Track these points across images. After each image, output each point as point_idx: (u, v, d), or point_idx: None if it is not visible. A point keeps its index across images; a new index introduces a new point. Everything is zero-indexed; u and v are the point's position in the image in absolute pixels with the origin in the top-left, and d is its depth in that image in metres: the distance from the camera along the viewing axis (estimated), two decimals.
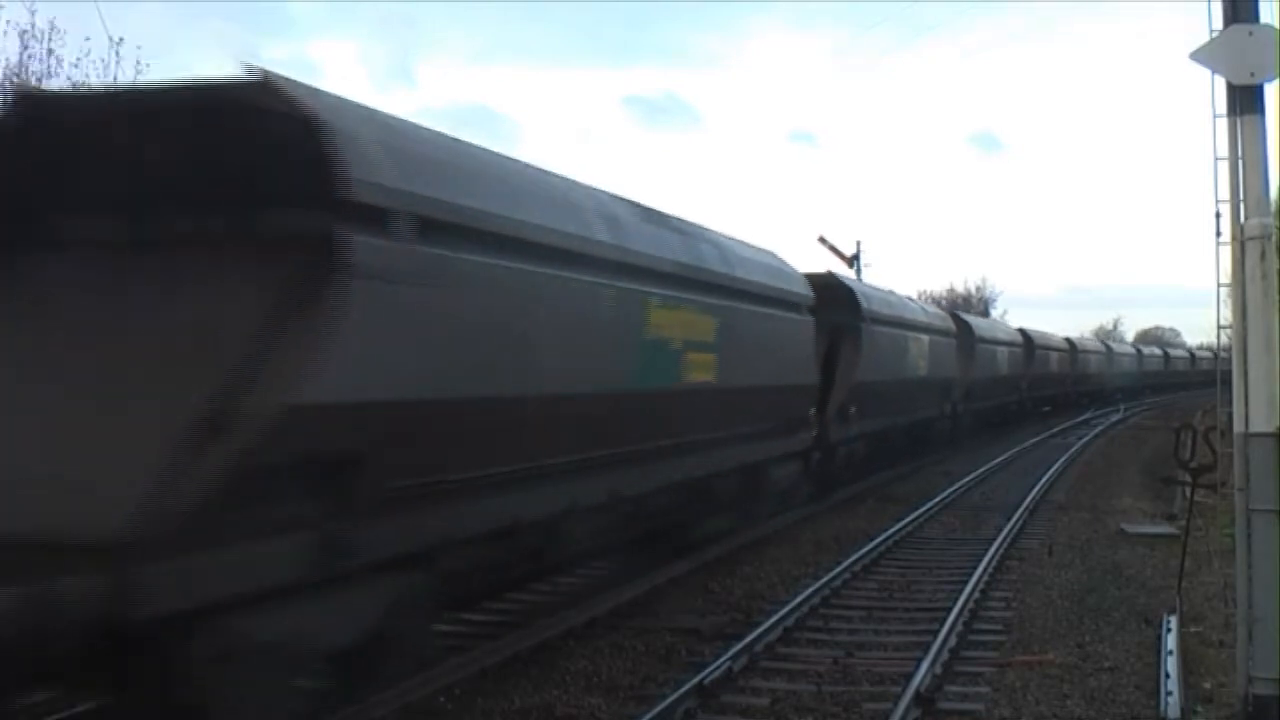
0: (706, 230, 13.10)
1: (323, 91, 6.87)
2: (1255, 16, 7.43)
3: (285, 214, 6.32)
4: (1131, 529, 16.10)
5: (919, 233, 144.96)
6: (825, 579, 12.19)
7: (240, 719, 6.04)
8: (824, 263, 36.41)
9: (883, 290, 24.23)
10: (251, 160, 6.30)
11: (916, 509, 17.61)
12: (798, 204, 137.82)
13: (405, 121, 7.80)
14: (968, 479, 22.10)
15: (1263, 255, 7.20)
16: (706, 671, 8.53)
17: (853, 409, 18.67)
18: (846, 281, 20.95)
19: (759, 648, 9.53)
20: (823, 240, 45.52)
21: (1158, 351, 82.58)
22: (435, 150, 7.79)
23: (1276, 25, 7.40)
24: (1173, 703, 7.76)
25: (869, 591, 12.17)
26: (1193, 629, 9.92)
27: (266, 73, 6.31)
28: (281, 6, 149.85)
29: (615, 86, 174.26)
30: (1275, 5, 7.51)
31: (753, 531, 15.18)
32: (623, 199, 11.06)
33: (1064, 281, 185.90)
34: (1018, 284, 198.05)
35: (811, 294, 16.25)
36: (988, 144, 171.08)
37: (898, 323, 22.03)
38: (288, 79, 6.46)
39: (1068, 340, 49.73)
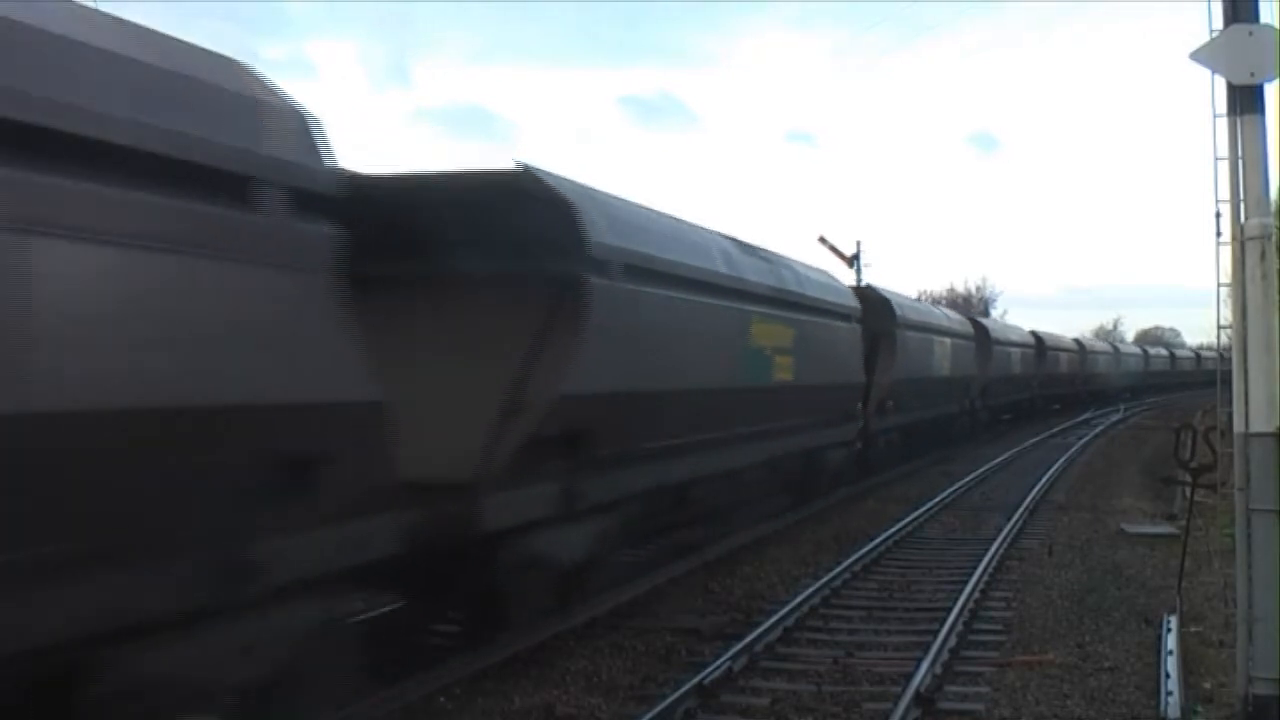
0: (782, 257, 16.10)
1: (564, 177, 9.65)
2: (1255, 16, 7.43)
3: (549, 262, 9.13)
4: (1132, 529, 16.11)
5: (919, 233, 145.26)
6: (825, 579, 12.19)
7: (530, 606, 9.45)
8: (824, 263, 36.42)
9: (912, 300, 27.72)
10: (522, 225, 8.99)
11: (917, 509, 17.62)
12: (797, 204, 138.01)
13: (607, 193, 10.69)
14: (968, 479, 22.11)
15: (1263, 255, 7.20)
16: (706, 671, 8.53)
17: (890, 403, 21.53)
18: (883, 293, 23.37)
19: (759, 648, 9.54)
20: (823, 240, 45.54)
21: (1164, 352, 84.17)
22: (628, 214, 10.86)
23: (1276, 25, 7.41)
24: (1173, 703, 7.77)
25: (869, 591, 12.17)
26: (1193, 629, 9.92)
27: (528, 166, 9.11)
28: (278, 6, 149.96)
29: (612, 87, 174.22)
30: (1275, 5, 7.52)
31: (753, 531, 15.23)
32: (728, 236, 14.02)
33: (1064, 281, 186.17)
34: (1018, 284, 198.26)
35: (859, 305, 18.94)
36: (987, 144, 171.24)
37: (925, 328, 24.70)
38: (547, 172, 9.32)
39: (1076, 341, 51.73)
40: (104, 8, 5.67)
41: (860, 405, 19.43)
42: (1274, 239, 7.29)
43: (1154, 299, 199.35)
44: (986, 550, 13.76)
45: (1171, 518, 16.79)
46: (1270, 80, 7.36)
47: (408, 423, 6.65)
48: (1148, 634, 9.92)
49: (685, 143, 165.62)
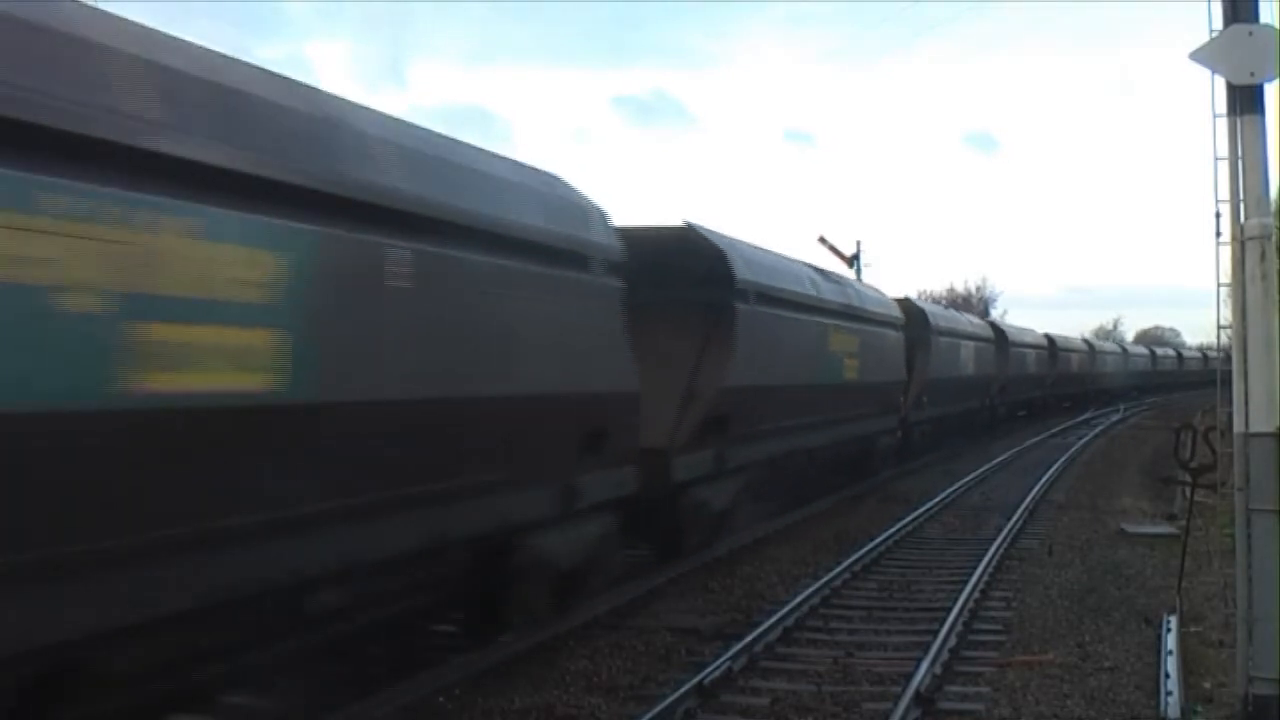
0: (845, 278, 21.03)
1: (717, 232, 14.16)
2: (1255, 16, 7.43)
3: (710, 293, 13.26)
4: (1131, 529, 16.11)
5: (918, 233, 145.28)
6: (825, 579, 12.19)
7: (694, 539, 13.49)
8: (825, 263, 36.55)
9: (943, 309, 32.63)
10: (692, 267, 13.14)
11: (917, 508, 17.62)
12: (796, 204, 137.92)
13: (742, 240, 15.01)
14: (968, 479, 22.11)
15: (1263, 255, 7.20)
16: (706, 671, 8.53)
17: (924, 399, 25.16)
18: (920, 304, 27.90)
19: (759, 648, 9.53)
20: (823, 240, 45.55)
21: (1171, 352, 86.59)
22: (754, 254, 14.97)
23: (1276, 25, 7.41)
24: (1173, 703, 7.77)
25: (869, 591, 12.18)
26: (1193, 629, 9.91)
27: (691, 224, 13.60)
28: (273, 6, 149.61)
29: (610, 87, 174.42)
30: (1275, 5, 7.52)
31: (752, 531, 15.25)
32: (808, 264, 18.20)
33: (1063, 281, 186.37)
34: (1017, 284, 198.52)
35: (902, 315, 22.89)
36: (986, 144, 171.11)
37: (954, 333, 28.34)
38: (704, 228, 13.79)
39: (1086, 342, 54.82)
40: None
41: (901, 400, 23.02)
42: (1274, 239, 7.30)
43: (1154, 299, 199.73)
44: (986, 550, 13.75)
45: (1171, 518, 16.78)
46: (1270, 80, 7.36)
47: None
48: (1148, 634, 9.92)
49: (683, 142, 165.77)
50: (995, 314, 72.28)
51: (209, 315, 5.53)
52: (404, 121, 8.08)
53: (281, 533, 6.20)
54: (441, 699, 8.15)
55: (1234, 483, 7.43)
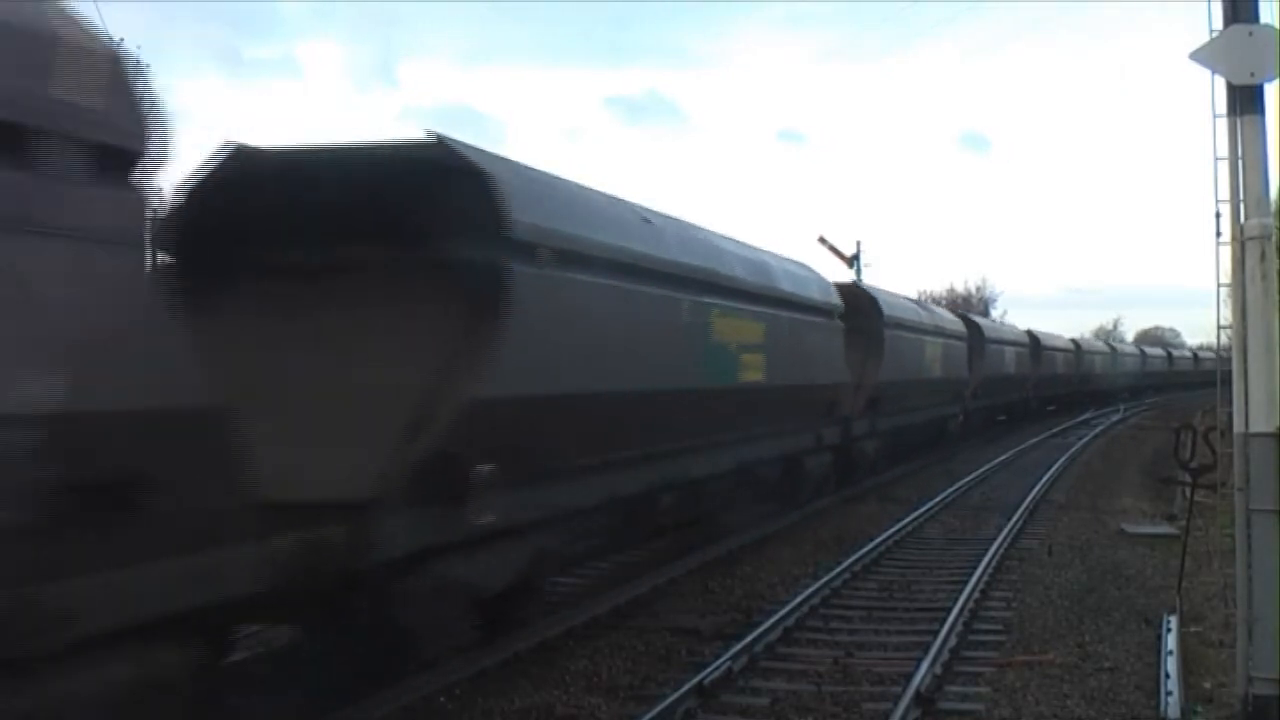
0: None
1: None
2: (1255, 16, 7.43)
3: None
4: (1131, 529, 16.10)
5: (918, 233, 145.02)
6: (825, 579, 12.19)
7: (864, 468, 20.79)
8: (824, 263, 36.54)
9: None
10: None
11: (917, 509, 17.62)
12: (794, 204, 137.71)
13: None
14: (968, 479, 22.11)
15: (1263, 255, 7.20)
16: (706, 671, 8.53)
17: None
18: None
19: (759, 648, 9.53)
20: (822, 240, 45.55)
21: (1188, 353, 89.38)
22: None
23: (1276, 25, 7.41)
24: (1173, 703, 7.77)
25: (869, 591, 12.17)
26: (1193, 629, 9.91)
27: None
28: (263, 7, 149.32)
29: (603, 87, 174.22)
30: (1275, 5, 7.52)
31: (752, 531, 15.24)
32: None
33: (1063, 281, 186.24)
34: (1017, 284, 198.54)
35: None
36: (986, 144, 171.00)
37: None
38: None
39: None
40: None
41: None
42: (1274, 239, 7.30)
43: (1154, 299, 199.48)
44: (986, 550, 13.75)
45: (1171, 518, 16.78)
46: (1270, 80, 7.36)
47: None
48: (1148, 634, 9.92)
49: (677, 143, 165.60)
50: (995, 314, 72.36)
51: (750, 350, 13.58)
52: (746, 243, 15.24)
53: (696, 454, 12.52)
54: (442, 699, 8.15)
55: (1234, 483, 7.43)
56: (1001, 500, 19.22)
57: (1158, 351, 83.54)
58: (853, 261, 45.60)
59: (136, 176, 5.45)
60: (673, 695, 7.95)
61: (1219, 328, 8.01)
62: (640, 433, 10.79)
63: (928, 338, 25.43)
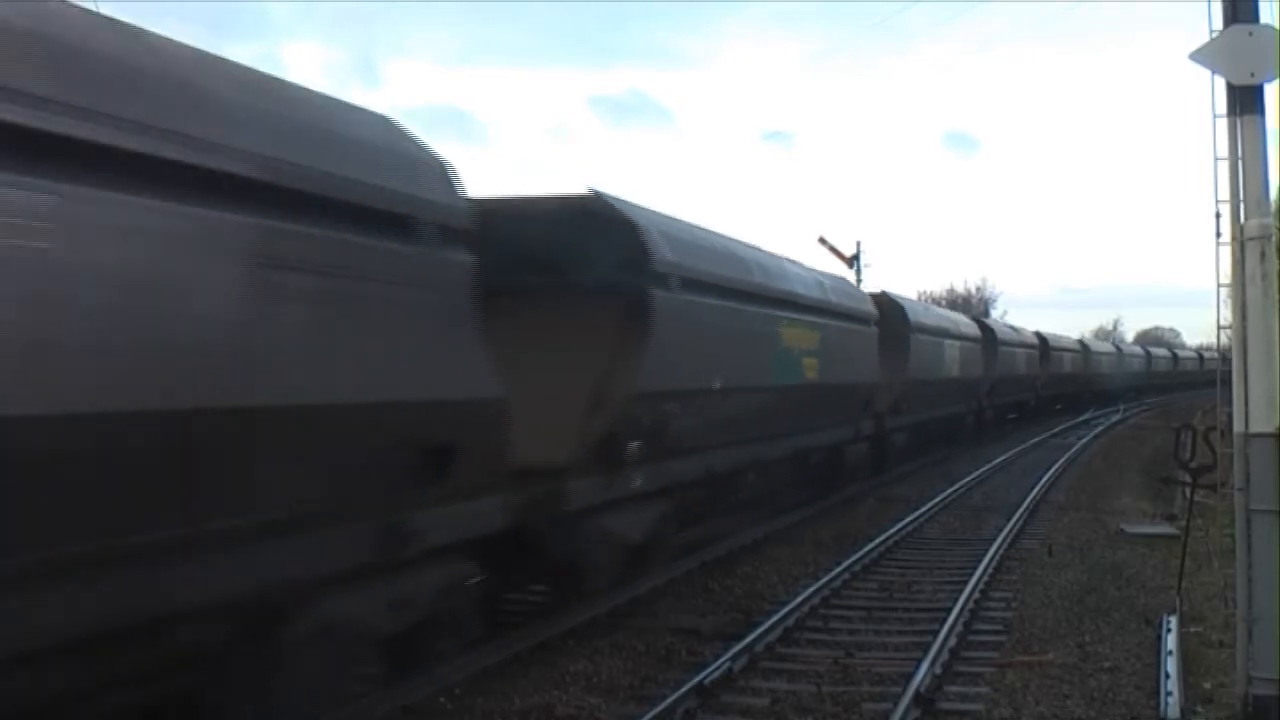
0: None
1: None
2: (1255, 16, 7.44)
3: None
4: (1131, 529, 16.11)
5: (918, 234, 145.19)
6: (825, 579, 12.19)
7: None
8: (824, 264, 36.67)
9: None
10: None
11: (917, 509, 17.62)
12: (792, 204, 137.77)
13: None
14: (968, 479, 22.12)
15: (1263, 255, 7.20)
16: (706, 672, 8.53)
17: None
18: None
19: (759, 648, 9.53)
20: (822, 241, 45.46)
21: (1192, 353, 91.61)
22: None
23: (1276, 25, 7.41)
24: (1173, 703, 7.77)
25: (869, 591, 12.17)
26: (1193, 629, 9.91)
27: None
28: (246, 7, 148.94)
29: (588, 87, 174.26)
30: (1275, 5, 7.53)
31: (752, 531, 15.25)
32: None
33: (1063, 282, 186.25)
34: (1017, 284, 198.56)
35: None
36: (983, 144, 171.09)
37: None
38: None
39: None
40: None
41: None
42: (1274, 239, 7.30)
43: (1154, 299, 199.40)
44: (986, 550, 13.76)
45: (1171, 518, 16.78)
46: (1270, 80, 7.37)
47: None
48: (1148, 634, 9.92)
49: (663, 142, 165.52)
50: (995, 314, 72.30)
51: (809, 354, 15.88)
52: (802, 263, 18.12)
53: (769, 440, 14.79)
54: (442, 699, 8.15)
55: (1234, 483, 7.43)
56: (1001, 500, 19.23)
57: (1162, 352, 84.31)
58: (853, 262, 45.55)
59: (464, 244, 7.81)
60: (673, 695, 7.96)
61: (1219, 328, 8.00)
62: (733, 421, 13.30)
63: (947, 341, 27.80)
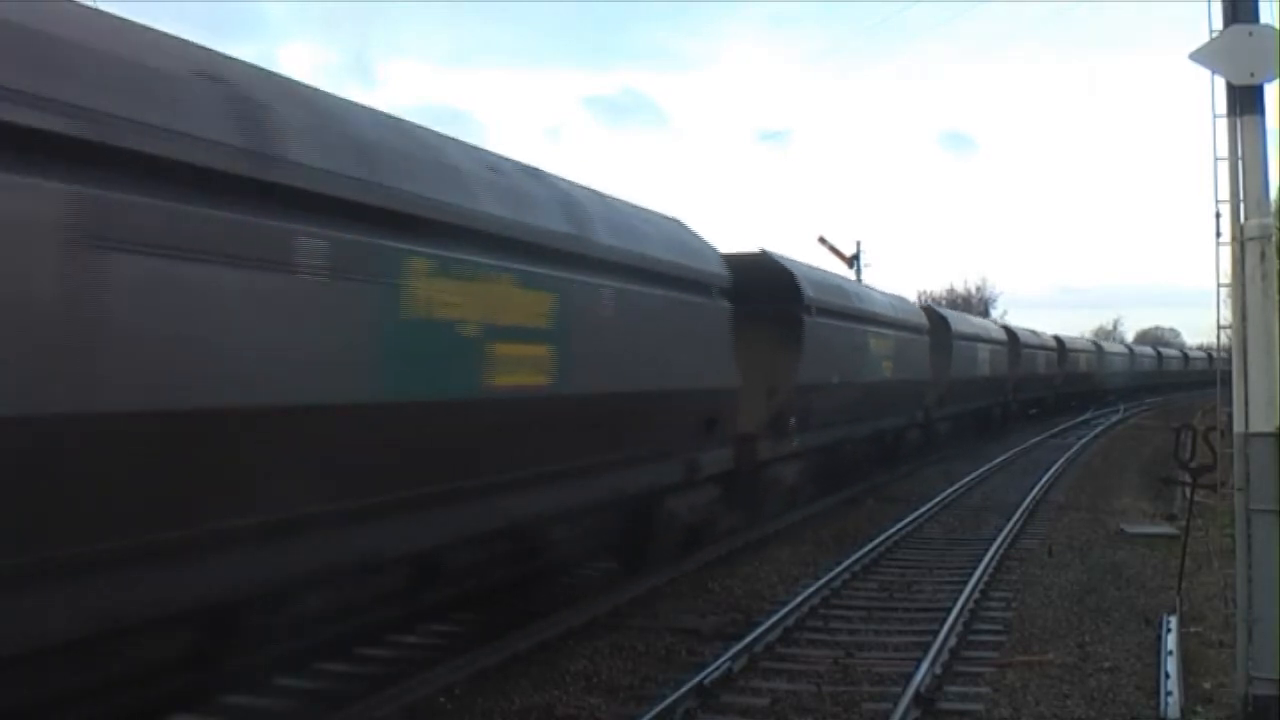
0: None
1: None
2: (1255, 16, 7.44)
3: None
4: (1131, 529, 16.10)
5: (916, 233, 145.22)
6: (825, 579, 12.19)
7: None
8: (825, 263, 37.06)
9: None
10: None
11: (916, 509, 17.62)
12: (789, 204, 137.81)
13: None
14: (968, 479, 22.12)
15: (1263, 255, 7.20)
16: (706, 672, 8.53)
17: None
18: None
19: (759, 648, 9.53)
20: (823, 241, 45.59)
21: (1200, 354, 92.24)
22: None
23: (1276, 25, 7.41)
24: (1172, 703, 7.77)
25: (869, 591, 12.17)
26: (1193, 629, 9.91)
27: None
28: (243, 8, 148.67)
29: (585, 87, 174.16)
30: (1275, 5, 7.53)
31: (752, 531, 15.25)
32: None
33: (1063, 282, 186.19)
34: (1017, 284, 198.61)
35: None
36: (982, 145, 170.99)
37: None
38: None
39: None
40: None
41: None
42: (1274, 239, 7.30)
43: (1154, 299, 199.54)
44: (986, 550, 13.75)
45: (1171, 518, 16.78)
46: (1270, 80, 7.36)
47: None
48: (1148, 634, 9.92)
49: (660, 142, 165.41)
50: (995, 314, 72.46)
51: (885, 357, 21.65)
52: (879, 289, 24.80)
53: (861, 421, 20.49)
54: (442, 699, 8.14)
55: (1234, 483, 7.43)
56: (1001, 500, 19.23)
57: (1173, 352, 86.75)
58: (853, 261, 45.58)
59: (720, 296, 13.20)
60: (673, 695, 7.95)
61: (1219, 328, 8.01)
62: (844, 407, 18.65)
63: (980, 345, 32.41)
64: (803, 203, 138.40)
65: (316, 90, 7.45)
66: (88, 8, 5.81)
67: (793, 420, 16.06)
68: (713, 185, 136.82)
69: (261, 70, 7.05)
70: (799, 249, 67.19)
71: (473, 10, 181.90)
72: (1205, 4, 7.57)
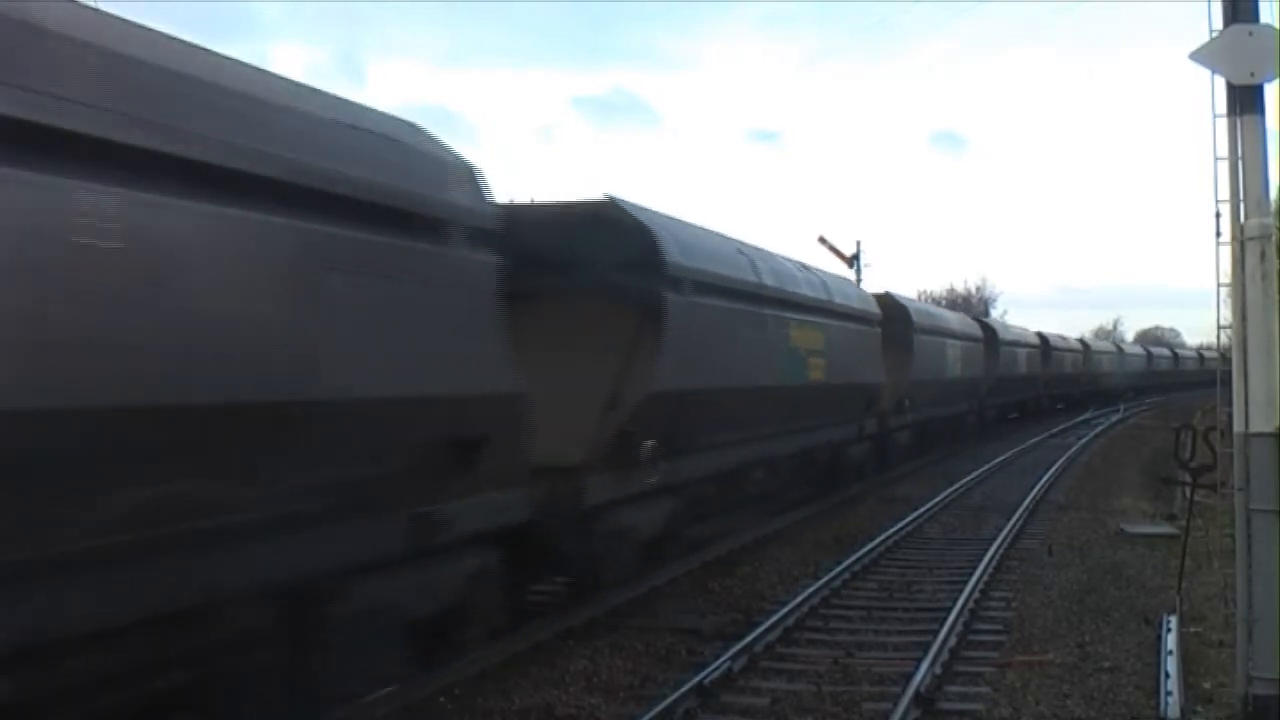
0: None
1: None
2: (1255, 16, 7.43)
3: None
4: (1131, 529, 16.10)
5: (916, 233, 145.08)
6: (825, 579, 12.19)
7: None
8: (824, 263, 36.82)
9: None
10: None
11: (917, 509, 17.62)
12: (787, 204, 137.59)
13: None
14: (967, 479, 22.12)
15: (1263, 255, 7.20)
16: (706, 671, 8.53)
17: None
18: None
19: (759, 648, 9.53)
20: (823, 241, 45.42)
21: (1192, 353, 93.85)
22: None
23: (1276, 25, 7.41)
24: (1172, 703, 7.76)
25: (869, 591, 12.17)
26: (1193, 629, 9.91)
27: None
28: (235, 8, 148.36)
29: (576, 87, 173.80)
30: (1275, 5, 7.53)
31: (753, 531, 15.25)
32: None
33: (1063, 282, 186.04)
34: (1017, 284, 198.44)
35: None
36: (981, 145, 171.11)
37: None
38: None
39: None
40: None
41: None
42: (1274, 239, 7.29)
43: (1154, 299, 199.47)
44: (986, 550, 13.75)
45: (1171, 518, 16.77)
46: (1270, 80, 7.36)
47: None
48: (1148, 634, 9.92)
49: (651, 142, 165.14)
50: (995, 314, 72.36)
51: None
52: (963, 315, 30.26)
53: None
54: (442, 699, 8.15)
55: (1234, 483, 7.43)
56: (1001, 500, 19.23)
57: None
58: (853, 261, 45.50)
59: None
60: (673, 695, 7.96)
61: (1219, 328, 8.00)
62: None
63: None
64: (801, 203, 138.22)
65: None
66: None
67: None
68: (708, 185, 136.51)
69: None
70: (799, 249, 67.07)
71: (464, 10, 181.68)
72: (1205, 4, 7.58)
